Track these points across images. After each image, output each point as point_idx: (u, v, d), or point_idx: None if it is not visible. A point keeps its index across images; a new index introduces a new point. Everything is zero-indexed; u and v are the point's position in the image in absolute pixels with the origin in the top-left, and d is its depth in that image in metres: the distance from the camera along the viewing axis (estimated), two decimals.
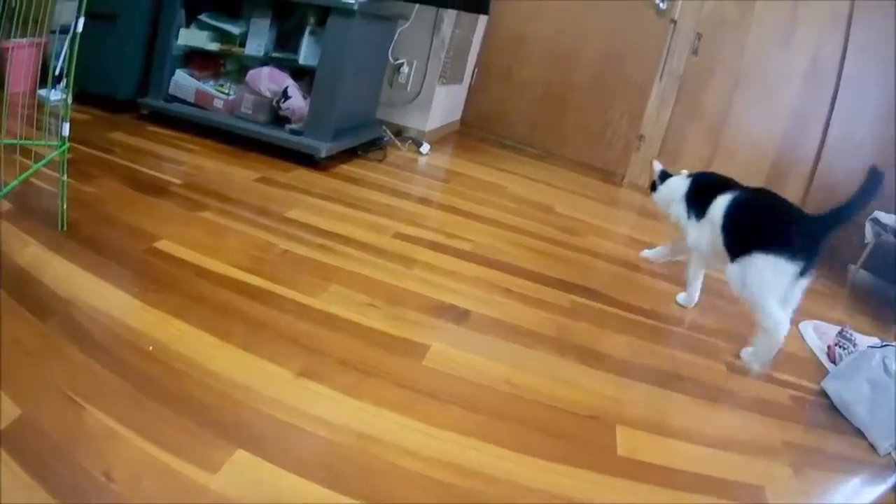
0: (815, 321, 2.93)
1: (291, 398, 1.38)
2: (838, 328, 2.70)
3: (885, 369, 2.02)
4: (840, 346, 2.53)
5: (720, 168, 4.91)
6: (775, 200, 2.44)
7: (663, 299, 2.73)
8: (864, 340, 2.56)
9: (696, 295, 2.74)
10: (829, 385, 2.19)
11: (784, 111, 5.04)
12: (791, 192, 5.00)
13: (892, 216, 4.14)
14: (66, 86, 1.87)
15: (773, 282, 2.24)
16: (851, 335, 2.59)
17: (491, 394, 1.62)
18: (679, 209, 2.66)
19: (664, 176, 2.92)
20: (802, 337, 2.76)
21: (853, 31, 4.87)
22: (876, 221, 4.21)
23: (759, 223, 2.36)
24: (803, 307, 3.16)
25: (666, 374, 2.01)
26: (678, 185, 2.78)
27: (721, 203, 2.41)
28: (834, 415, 2.05)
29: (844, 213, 2.35)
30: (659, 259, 3.02)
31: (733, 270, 2.30)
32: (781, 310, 2.23)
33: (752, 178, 4.94)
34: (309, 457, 1.22)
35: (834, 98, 4.93)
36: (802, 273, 2.24)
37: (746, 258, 2.26)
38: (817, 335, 2.77)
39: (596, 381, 1.84)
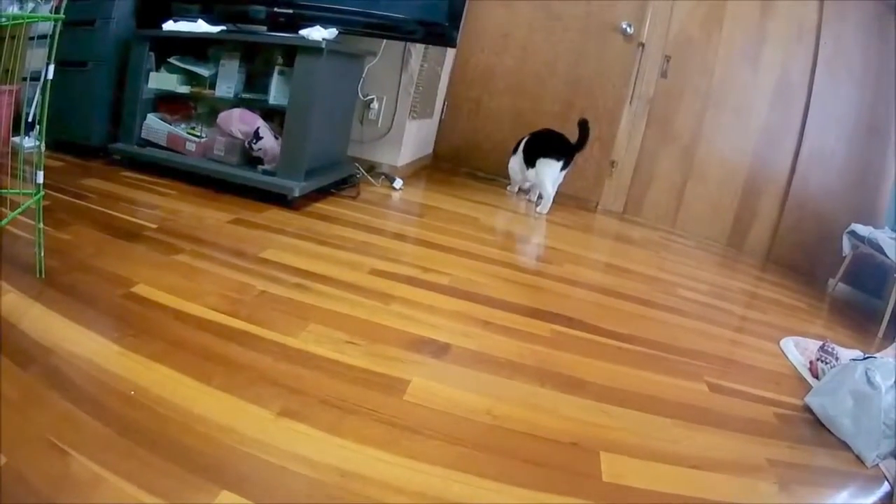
0: (796, 337, 2.98)
1: (274, 438, 1.38)
2: (820, 343, 2.73)
3: (869, 381, 2.05)
4: (822, 361, 2.56)
5: (693, 189, 4.99)
6: (549, 134, 4.60)
7: (642, 324, 2.76)
8: (846, 353, 2.59)
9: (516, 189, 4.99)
10: (813, 400, 2.22)
11: (755, 129, 5.15)
12: (767, 207, 5.10)
13: (869, 228, 4.20)
14: (39, 133, 1.88)
15: (549, 171, 4.43)
16: (833, 349, 2.61)
17: (473, 426, 1.63)
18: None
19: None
20: (784, 353, 2.79)
21: (822, 45, 4.97)
22: (853, 234, 4.28)
23: (541, 145, 4.54)
24: (783, 324, 3.22)
25: (648, 398, 2.03)
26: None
27: (523, 142, 4.66)
28: (819, 430, 2.08)
29: (578, 146, 4.55)
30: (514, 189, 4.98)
31: (531, 172, 4.56)
32: (552, 187, 4.51)
33: (727, 197, 5.10)
34: (293, 496, 1.22)
35: (805, 113, 5.04)
36: (563, 168, 4.48)
37: (537, 162, 4.46)
38: (798, 351, 2.81)
39: (577, 409, 1.86)
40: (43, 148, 1.89)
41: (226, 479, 1.22)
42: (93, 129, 3.52)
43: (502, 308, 2.52)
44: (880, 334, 3.60)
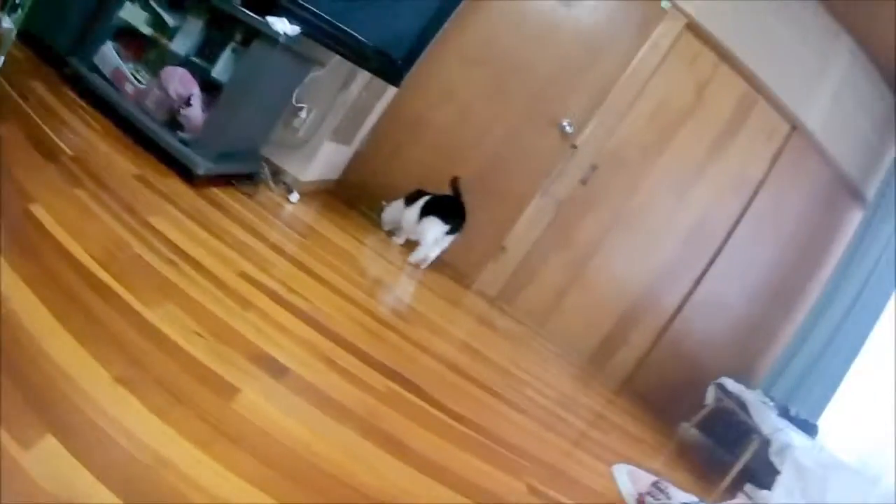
0: (632, 466, 3.10)
1: (106, 401, 1.45)
2: (654, 478, 2.86)
3: None
4: (652, 496, 2.68)
5: (573, 299, 5.13)
6: (453, 200, 4.78)
7: (479, 409, 2.89)
8: (679, 495, 2.72)
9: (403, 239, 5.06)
10: None
11: (658, 261, 5.40)
12: (640, 338, 5.33)
13: (740, 385, 4.42)
14: (16, 19, 1.89)
15: (432, 230, 4.64)
16: (666, 487, 2.74)
17: (289, 455, 1.72)
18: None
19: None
20: (614, 478, 2.90)
21: (757, 200, 5.24)
22: (721, 387, 4.51)
23: (440, 206, 4.73)
24: (622, 451, 3.37)
25: (464, 482, 2.15)
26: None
27: (422, 200, 4.79)
28: None
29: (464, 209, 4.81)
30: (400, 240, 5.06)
31: (421, 226, 4.72)
32: (432, 245, 4.74)
33: (604, 316, 5.34)
34: (110, 463, 1.30)
35: (712, 260, 5.31)
36: (450, 232, 4.71)
37: (425, 218, 4.67)
38: (630, 480, 2.92)
39: (393, 470, 1.96)
40: (14, 34, 1.90)
41: (55, 424, 1.29)
42: (63, 35, 3.47)
43: (348, 350, 2.60)
44: (722, 487, 3.76)
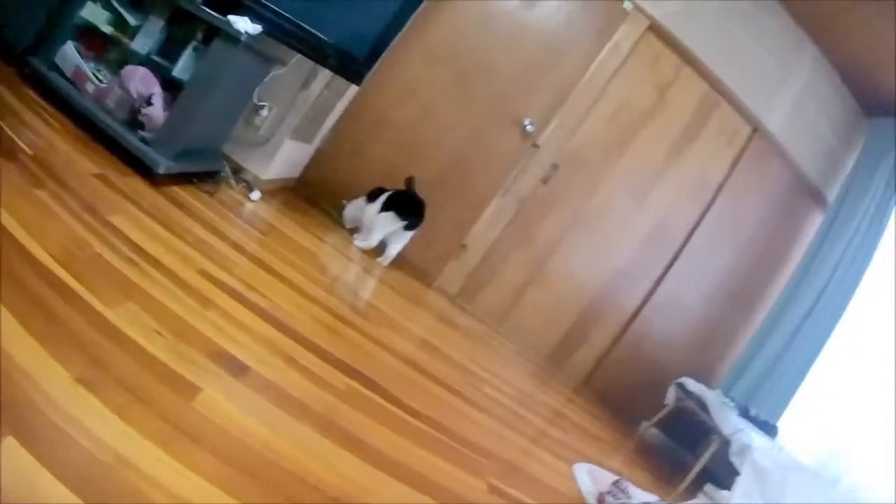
0: (592, 465, 3.15)
1: (66, 402, 1.46)
2: (615, 477, 2.90)
3: None
4: (612, 496, 2.71)
5: (532, 297, 5.16)
6: (411, 196, 4.80)
7: (439, 406, 2.92)
8: (639, 494, 2.77)
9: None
10: None
11: (617, 261, 5.47)
12: (600, 336, 5.40)
13: (701, 386, 4.46)
14: None
15: (386, 224, 4.72)
16: (626, 487, 2.78)
17: (247, 452, 1.74)
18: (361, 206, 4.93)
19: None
20: (575, 477, 2.94)
21: (716, 204, 5.32)
22: (681, 387, 4.55)
23: (395, 201, 4.74)
24: (582, 449, 3.40)
25: (423, 479, 2.18)
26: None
27: (383, 196, 4.77)
28: None
29: (422, 206, 4.82)
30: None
31: (377, 218, 4.74)
32: (379, 237, 4.79)
33: (563, 315, 5.48)
34: (70, 464, 1.32)
35: (672, 262, 5.39)
36: (407, 228, 4.77)
37: (386, 213, 4.70)
38: (591, 479, 2.96)
39: (350, 467, 1.99)
40: None
41: (16, 425, 1.30)
42: (23, 34, 3.43)
43: (308, 348, 2.62)
44: (682, 487, 3.80)
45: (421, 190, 4.88)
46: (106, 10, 3.53)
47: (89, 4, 3.50)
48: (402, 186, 4.89)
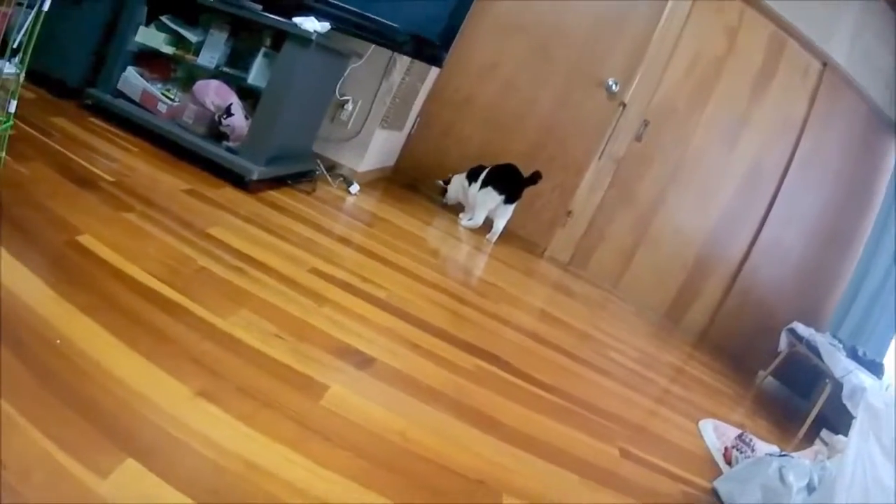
0: (716, 421, 3.06)
1: (187, 416, 1.39)
2: (738, 431, 2.80)
3: (781, 478, 2.10)
4: (738, 449, 2.63)
5: (642, 256, 5.05)
6: (507, 168, 4.74)
7: (566, 377, 2.81)
8: (763, 447, 2.66)
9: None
10: (722, 486, 2.28)
11: (718, 209, 5.26)
12: (712, 288, 5.21)
13: (810, 330, 4.29)
14: (21, 61, 1.87)
15: (487, 200, 4.69)
16: (751, 440, 2.69)
17: (382, 444, 1.65)
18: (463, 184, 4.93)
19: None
20: (701, 434, 2.85)
21: (803, 141, 5.06)
22: (792, 332, 4.39)
23: (492, 177, 4.69)
24: (705, 405, 3.28)
25: (559, 451, 2.07)
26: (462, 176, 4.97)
27: (483, 173, 4.73)
28: None
29: (528, 181, 4.72)
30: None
31: (478, 196, 4.72)
32: (483, 215, 4.76)
33: (674, 270, 5.21)
34: (197, 478, 1.24)
35: (771, 204, 5.15)
36: (506, 202, 4.70)
37: (484, 189, 4.69)
38: (716, 435, 2.88)
39: (488, 448, 1.89)
40: (22, 77, 1.87)
41: (134, 447, 1.23)
42: (73, 68, 3.45)
43: (432, 333, 2.54)
44: (800, 434, 3.68)
45: (523, 167, 4.79)
46: (162, 32, 3.51)
47: (142, 29, 3.49)
48: (498, 162, 4.81)
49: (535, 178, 4.73)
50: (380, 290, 2.74)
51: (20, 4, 3.06)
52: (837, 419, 3.79)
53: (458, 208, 5.09)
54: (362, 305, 2.49)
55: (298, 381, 1.76)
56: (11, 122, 1.89)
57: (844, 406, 3.55)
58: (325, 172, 4.14)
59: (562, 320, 3.70)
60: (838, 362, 3.85)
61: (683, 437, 2.75)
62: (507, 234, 4.87)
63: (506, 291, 3.73)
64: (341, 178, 4.30)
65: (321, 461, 1.45)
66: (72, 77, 3.45)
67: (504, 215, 4.81)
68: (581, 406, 2.55)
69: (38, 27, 1.80)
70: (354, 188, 4.23)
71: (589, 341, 3.58)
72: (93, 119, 3.33)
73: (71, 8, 3.32)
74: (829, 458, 2.33)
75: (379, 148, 4.81)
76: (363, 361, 2.06)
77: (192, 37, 3.50)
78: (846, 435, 3.23)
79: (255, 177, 3.22)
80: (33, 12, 1.84)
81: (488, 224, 4.86)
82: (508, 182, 4.72)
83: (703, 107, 5.22)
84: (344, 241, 3.23)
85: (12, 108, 1.86)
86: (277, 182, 3.58)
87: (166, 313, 1.79)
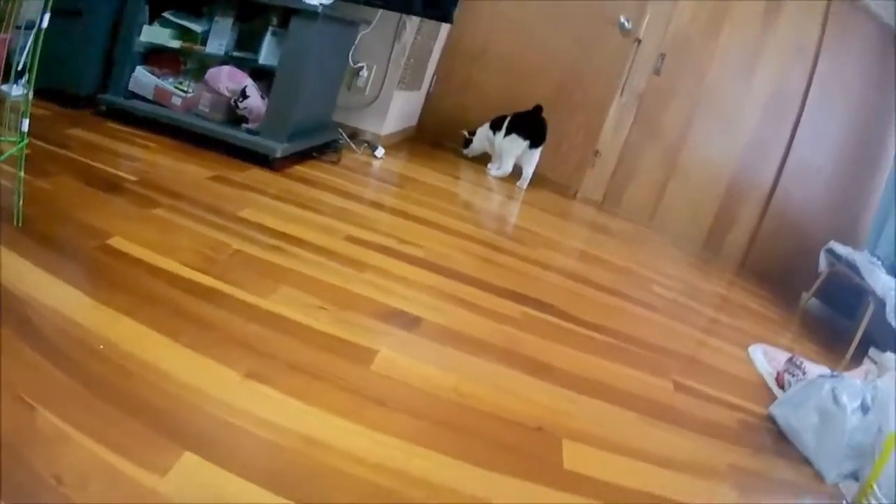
0: (765, 346, 3.01)
1: (239, 400, 1.38)
2: (788, 355, 2.75)
3: (835, 400, 2.06)
4: (789, 373, 2.58)
5: (674, 188, 5.00)
6: (529, 114, 4.74)
7: (612, 315, 2.78)
8: (814, 369, 2.60)
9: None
10: (778, 410, 2.24)
11: (744, 135, 5.14)
12: (747, 213, 5.11)
13: (848, 249, 4.20)
14: (28, 81, 1.86)
15: (512, 147, 4.68)
16: (801, 363, 2.63)
17: (438, 402, 1.64)
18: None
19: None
20: (751, 360, 2.81)
21: (820, 62, 4.94)
22: (831, 252, 4.29)
23: (515, 123, 4.72)
24: (752, 331, 3.24)
25: (614, 390, 2.05)
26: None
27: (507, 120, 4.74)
28: (781, 441, 2.11)
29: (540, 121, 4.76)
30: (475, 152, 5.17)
31: (503, 143, 4.75)
32: (511, 162, 4.77)
33: (707, 199, 5.10)
34: (255, 460, 1.24)
35: (795, 126, 5.02)
36: (531, 147, 4.69)
37: (509, 136, 4.70)
38: (766, 360, 2.83)
39: (544, 394, 1.87)
40: (31, 96, 1.87)
41: (189, 439, 1.22)
42: (82, 78, 3.43)
43: (475, 285, 2.53)
44: (848, 355, 3.62)
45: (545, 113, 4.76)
46: (166, 28, 3.48)
47: (146, 28, 3.46)
48: (518, 110, 4.77)
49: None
50: (417, 249, 2.73)
51: (18, 28, 3.06)
52: (884, 337, 3.72)
53: (484, 160, 5.06)
54: (402, 266, 2.49)
55: (347, 350, 1.75)
56: (26, 142, 1.88)
57: (889, 324, 3.48)
58: (348, 140, 4.12)
59: (601, 258, 3.66)
60: (879, 279, 3.76)
61: (735, 365, 2.71)
62: (537, 180, 4.84)
63: (542, 236, 3.72)
64: (365, 144, 4.28)
65: (378, 427, 1.44)
66: (84, 87, 3.44)
67: (531, 160, 4.79)
68: (631, 343, 2.53)
69: (38, 46, 1.79)
70: (380, 152, 4.21)
71: (631, 277, 3.55)
72: (110, 124, 3.32)
73: (72, 21, 3.30)
74: (879, 376, 2.28)
75: (399, 110, 4.78)
76: (409, 322, 2.05)
77: (196, 27, 3.47)
78: (894, 352, 3.19)
79: (279, 154, 3.21)
80: (33, 33, 1.82)
81: (517, 172, 4.83)
82: (531, 127, 4.70)
83: (716, 36, 5.09)
84: (376, 205, 3.22)
85: (25, 127, 1.85)
86: (302, 156, 3.57)
87: (206, 301, 1.79)
